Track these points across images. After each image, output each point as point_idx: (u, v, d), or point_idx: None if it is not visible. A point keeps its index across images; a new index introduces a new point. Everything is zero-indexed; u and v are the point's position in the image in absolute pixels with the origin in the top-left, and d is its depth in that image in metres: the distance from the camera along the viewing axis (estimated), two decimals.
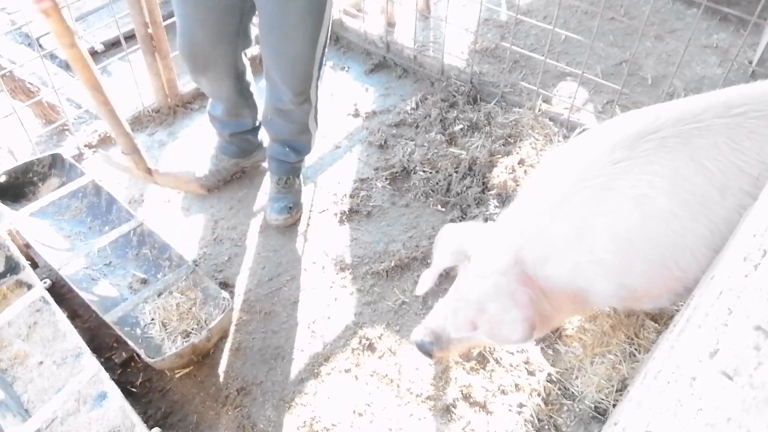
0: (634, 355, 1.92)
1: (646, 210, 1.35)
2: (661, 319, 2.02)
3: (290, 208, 2.44)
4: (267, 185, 2.61)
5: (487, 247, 1.52)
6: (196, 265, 2.13)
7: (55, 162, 2.41)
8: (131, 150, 2.26)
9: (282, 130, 2.37)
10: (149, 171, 2.35)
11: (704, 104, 1.37)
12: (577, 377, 1.92)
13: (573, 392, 1.90)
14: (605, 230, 1.38)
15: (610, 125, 1.53)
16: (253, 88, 2.44)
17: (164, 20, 2.68)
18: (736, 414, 0.53)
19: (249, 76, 2.39)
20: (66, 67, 3.18)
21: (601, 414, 1.85)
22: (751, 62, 3.10)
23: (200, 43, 2.11)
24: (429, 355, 1.68)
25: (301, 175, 2.55)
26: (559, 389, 1.91)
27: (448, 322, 1.58)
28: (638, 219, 1.36)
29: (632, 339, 1.96)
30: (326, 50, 2.14)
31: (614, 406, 1.82)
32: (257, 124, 2.55)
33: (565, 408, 1.88)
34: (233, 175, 2.63)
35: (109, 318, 1.92)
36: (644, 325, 1.99)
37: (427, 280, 1.66)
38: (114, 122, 2.20)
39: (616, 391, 1.86)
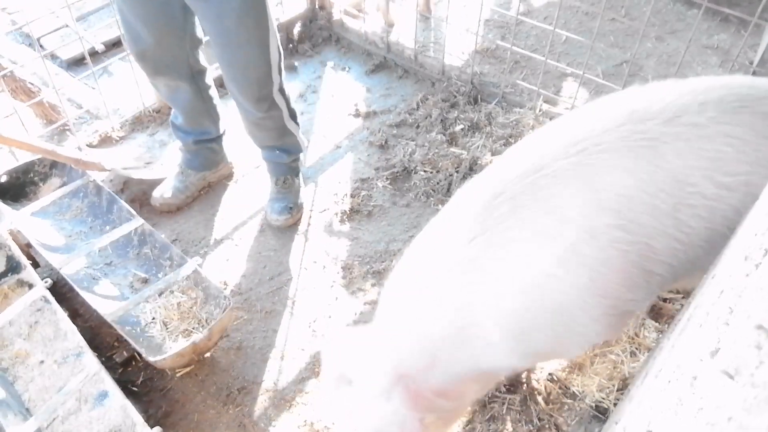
0: (635, 354, 1.92)
1: (521, 281, 1.24)
2: (662, 318, 2.02)
3: (290, 208, 2.44)
4: (264, 184, 2.61)
5: (365, 369, 1.34)
6: (199, 265, 2.14)
7: (56, 162, 2.41)
8: (79, 165, 2.39)
9: (263, 138, 2.37)
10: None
11: (543, 150, 1.26)
12: (577, 376, 1.92)
13: (574, 391, 1.90)
14: (487, 316, 1.26)
15: (459, 200, 1.37)
16: (213, 93, 2.39)
17: None
18: (737, 413, 0.53)
19: (209, 79, 2.35)
20: (67, 67, 3.19)
21: (601, 413, 1.85)
22: (751, 63, 3.10)
23: (146, 42, 2.07)
24: None
25: (300, 175, 2.55)
26: (560, 388, 1.91)
27: None
28: (517, 293, 1.24)
29: (633, 338, 1.96)
30: (281, 53, 2.10)
31: (615, 405, 1.83)
32: (221, 132, 2.52)
33: (566, 407, 1.88)
34: (200, 191, 2.60)
35: (110, 317, 1.92)
36: (645, 324, 1.99)
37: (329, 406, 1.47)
38: (58, 156, 2.30)
39: (617, 390, 1.86)
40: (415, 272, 1.34)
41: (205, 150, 2.51)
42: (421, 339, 1.30)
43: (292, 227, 2.46)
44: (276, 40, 2.04)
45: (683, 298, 2.06)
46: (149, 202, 2.54)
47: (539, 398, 1.89)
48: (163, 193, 2.50)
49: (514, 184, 1.24)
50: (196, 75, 2.28)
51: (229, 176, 2.67)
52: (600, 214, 1.21)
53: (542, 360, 1.60)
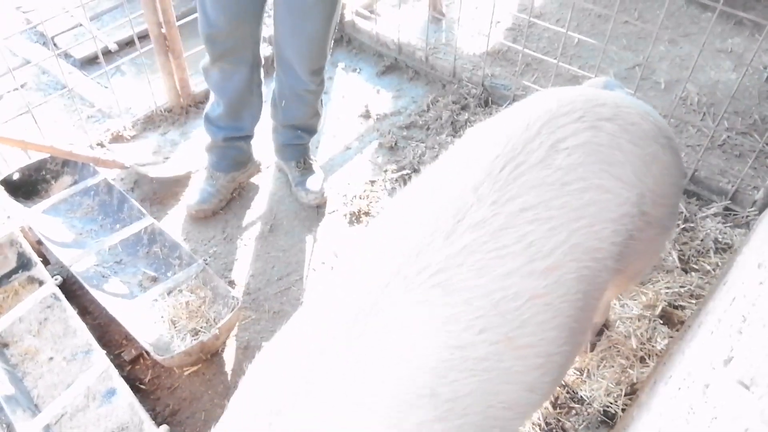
0: (645, 360, 1.91)
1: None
2: (673, 325, 2.00)
3: (323, 180, 2.56)
4: (274, 184, 2.62)
5: None
6: (206, 264, 2.14)
7: (67, 160, 2.43)
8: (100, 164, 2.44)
9: (296, 114, 2.42)
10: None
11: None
12: (585, 381, 1.91)
13: (582, 396, 1.88)
14: None
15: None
16: (262, 89, 2.43)
17: (178, 20, 2.69)
18: (754, 425, 0.52)
19: (261, 74, 2.40)
20: (80, 66, 3.21)
21: (609, 418, 1.83)
22: (765, 67, 3.08)
23: (220, 27, 2.09)
24: None
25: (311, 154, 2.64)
26: (568, 393, 1.90)
27: None
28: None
29: (644, 344, 1.94)
30: (337, 29, 2.17)
31: (623, 410, 1.81)
32: (252, 133, 2.52)
33: (574, 412, 1.86)
34: (233, 193, 2.58)
35: (118, 315, 1.93)
36: (656, 329, 1.98)
37: None
38: (72, 156, 2.35)
39: (625, 396, 1.84)
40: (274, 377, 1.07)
41: (232, 149, 2.50)
42: None
43: (300, 228, 2.46)
44: (338, 15, 2.12)
45: (695, 304, 2.04)
46: (159, 200, 2.56)
47: (547, 402, 1.88)
48: (195, 199, 2.47)
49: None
50: (255, 65, 2.30)
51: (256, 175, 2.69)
52: (417, 404, 0.97)
53: None
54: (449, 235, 0.99)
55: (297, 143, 2.53)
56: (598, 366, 1.93)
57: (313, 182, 2.52)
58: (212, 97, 2.40)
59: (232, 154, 2.51)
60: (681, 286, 2.10)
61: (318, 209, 2.52)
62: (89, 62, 3.21)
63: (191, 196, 2.50)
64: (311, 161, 2.59)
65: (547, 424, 1.83)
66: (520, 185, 1.03)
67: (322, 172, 2.59)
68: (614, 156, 1.12)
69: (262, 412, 0.99)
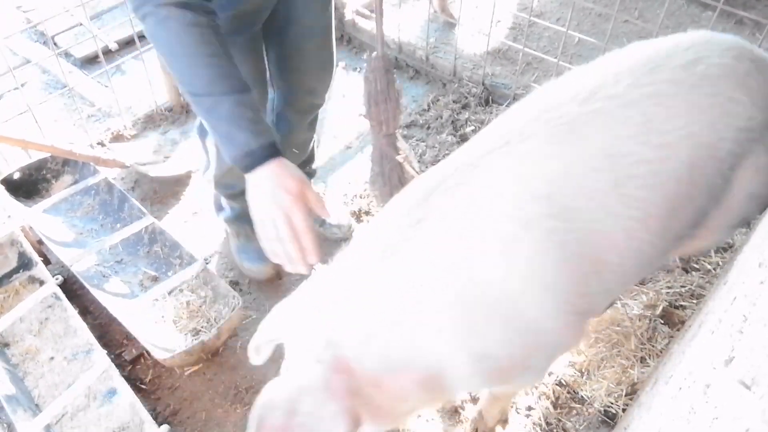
0: (645, 360, 1.91)
1: (463, 277, 1.16)
2: (674, 324, 2.00)
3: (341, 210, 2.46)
4: None
5: (298, 334, 1.27)
6: (207, 263, 2.14)
7: (68, 159, 2.43)
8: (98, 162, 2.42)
9: (308, 138, 2.24)
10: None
11: (473, 147, 1.24)
12: (586, 381, 1.91)
13: (582, 396, 1.88)
14: (433, 298, 1.17)
15: (408, 188, 1.30)
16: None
17: None
18: (756, 425, 0.52)
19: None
20: (80, 65, 3.21)
21: (610, 418, 1.83)
22: None
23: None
24: None
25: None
26: (568, 393, 1.90)
27: None
28: (461, 287, 1.16)
29: (644, 344, 1.94)
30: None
31: (624, 410, 1.81)
32: None
33: (574, 412, 1.87)
34: None
35: (119, 315, 1.93)
36: (657, 329, 1.98)
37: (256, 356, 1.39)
38: (69, 154, 2.34)
39: (626, 396, 1.84)
40: (361, 248, 1.27)
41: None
42: (359, 308, 1.19)
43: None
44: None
45: (696, 303, 2.04)
46: (160, 200, 2.56)
47: (547, 402, 1.88)
48: (254, 264, 2.20)
49: (451, 178, 1.20)
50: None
51: None
52: (532, 204, 1.16)
53: (494, 381, 1.40)
54: (585, 100, 1.20)
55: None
56: (599, 366, 1.93)
57: (334, 214, 2.36)
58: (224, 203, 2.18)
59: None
60: (682, 286, 2.10)
61: (340, 242, 2.49)
62: (89, 61, 3.21)
63: (248, 262, 2.20)
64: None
65: (547, 424, 1.83)
66: (655, 79, 1.21)
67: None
68: (749, 82, 1.25)
69: (377, 246, 1.20)
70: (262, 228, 1.27)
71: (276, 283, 2.26)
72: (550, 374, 1.94)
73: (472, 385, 1.51)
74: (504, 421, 1.83)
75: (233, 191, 2.08)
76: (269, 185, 1.24)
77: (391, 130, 1.96)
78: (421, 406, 1.37)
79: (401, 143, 2.03)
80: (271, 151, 1.26)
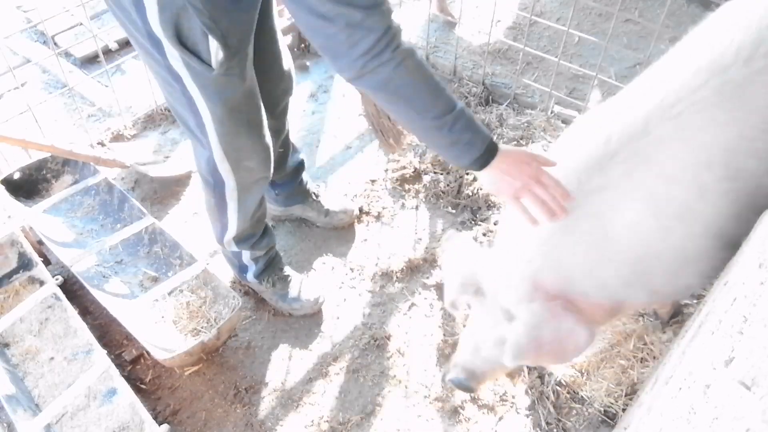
0: (645, 360, 1.91)
1: (642, 235, 1.35)
2: (674, 326, 2.00)
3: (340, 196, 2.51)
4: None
5: (500, 279, 1.47)
6: (207, 264, 2.14)
7: (68, 159, 2.43)
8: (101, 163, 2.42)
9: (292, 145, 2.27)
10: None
11: (642, 113, 1.34)
12: (586, 381, 1.91)
13: (582, 396, 1.88)
14: (621, 244, 1.36)
15: (569, 140, 1.55)
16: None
17: None
18: (756, 425, 0.52)
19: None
20: (80, 65, 3.21)
21: (610, 418, 1.83)
22: None
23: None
24: (470, 390, 1.65)
25: None
26: (568, 393, 1.90)
27: (479, 357, 1.55)
28: (640, 243, 1.35)
29: (644, 344, 1.94)
30: None
31: (624, 410, 1.81)
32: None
33: (574, 412, 1.86)
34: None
35: (119, 315, 1.93)
36: (656, 329, 1.97)
37: (452, 303, 1.61)
38: (71, 155, 2.33)
39: (626, 396, 1.84)
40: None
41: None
42: (555, 255, 1.39)
43: (301, 228, 2.46)
44: None
45: (696, 304, 2.04)
46: (160, 200, 2.55)
47: (548, 402, 1.88)
48: (302, 301, 2.14)
49: (624, 148, 1.32)
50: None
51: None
52: (707, 171, 1.27)
53: (659, 302, 1.76)
54: (750, 59, 1.26)
55: (303, 177, 2.37)
56: (599, 366, 1.93)
57: (336, 203, 2.42)
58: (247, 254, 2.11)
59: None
60: None
61: (347, 227, 2.50)
62: (90, 61, 3.21)
63: (293, 303, 2.14)
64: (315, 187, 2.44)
65: (548, 424, 1.83)
66: None
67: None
68: None
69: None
70: (517, 200, 1.38)
71: None
72: (550, 374, 1.94)
73: (644, 307, 1.89)
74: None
75: (254, 239, 2.04)
76: (510, 165, 1.36)
77: None
78: (605, 323, 1.61)
79: None
80: (495, 144, 1.38)
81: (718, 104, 1.26)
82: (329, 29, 1.21)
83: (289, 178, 2.30)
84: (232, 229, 1.96)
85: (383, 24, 1.22)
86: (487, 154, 1.37)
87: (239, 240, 2.01)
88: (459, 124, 1.34)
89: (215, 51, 1.43)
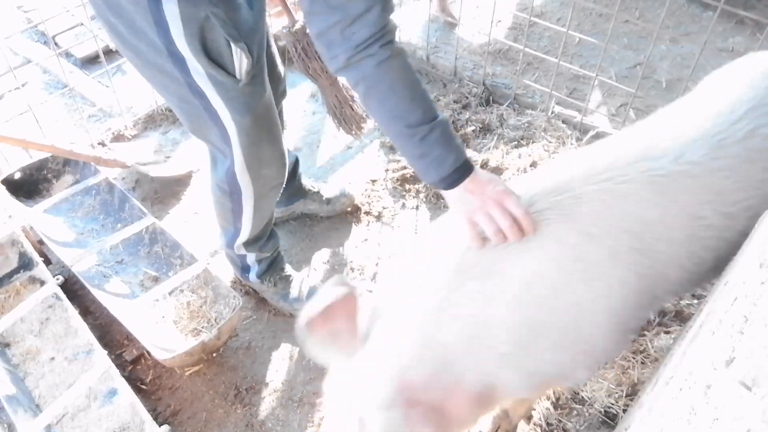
0: (645, 361, 1.91)
1: (539, 289, 1.24)
2: (674, 326, 2.00)
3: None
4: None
5: (361, 381, 1.26)
6: (207, 264, 2.14)
7: (68, 159, 2.43)
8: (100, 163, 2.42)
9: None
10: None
11: (568, 175, 1.32)
12: (586, 383, 1.91)
13: (583, 396, 1.88)
14: (501, 323, 1.23)
15: None
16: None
17: None
18: (756, 426, 0.52)
19: None
20: (81, 65, 3.21)
21: (611, 419, 1.83)
22: None
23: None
24: None
25: None
26: (569, 393, 1.90)
27: None
28: (533, 301, 1.24)
29: (644, 345, 1.94)
30: None
31: (624, 411, 1.81)
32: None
33: (575, 412, 1.86)
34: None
35: (120, 315, 1.93)
36: (656, 330, 1.97)
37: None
38: (70, 154, 2.34)
39: (626, 396, 1.84)
40: (428, 273, 1.30)
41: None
42: (428, 346, 1.25)
43: (301, 228, 2.46)
44: None
45: (697, 304, 2.04)
46: (161, 200, 2.56)
47: (548, 403, 1.88)
48: (304, 302, 2.11)
49: (542, 199, 1.29)
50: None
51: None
52: (624, 236, 1.27)
53: (539, 389, 1.56)
54: (676, 160, 1.32)
55: (299, 174, 2.40)
56: (599, 367, 1.93)
57: (333, 190, 2.46)
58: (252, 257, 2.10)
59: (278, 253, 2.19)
60: None
61: (349, 212, 2.51)
62: (90, 61, 3.21)
63: (295, 303, 2.13)
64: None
65: (548, 424, 1.83)
66: (723, 152, 1.32)
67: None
68: None
69: None
70: (473, 228, 1.26)
71: None
72: None
73: (520, 395, 1.59)
74: (528, 417, 1.84)
75: (262, 242, 2.05)
76: (476, 185, 1.30)
77: (332, 80, 2.20)
78: (473, 418, 1.41)
79: (342, 86, 2.27)
80: (469, 165, 1.32)
81: (646, 186, 1.29)
82: (330, 18, 1.21)
83: (288, 177, 2.30)
84: (245, 235, 1.96)
85: (382, 20, 1.22)
86: (456, 175, 1.30)
87: (249, 244, 2.02)
88: (432, 136, 1.29)
89: (239, 61, 1.45)
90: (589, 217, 1.27)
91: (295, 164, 2.34)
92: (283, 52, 2.12)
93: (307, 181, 2.46)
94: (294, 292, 2.15)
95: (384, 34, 1.24)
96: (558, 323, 1.27)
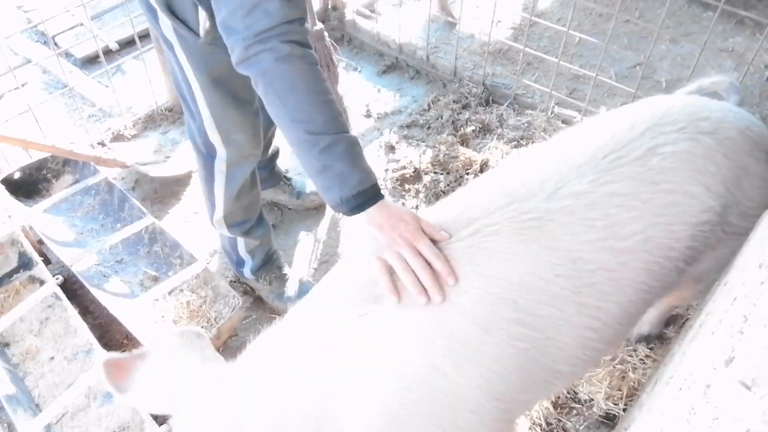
0: (644, 361, 1.91)
1: (403, 374, 1.08)
2: (674, 326, 2.00)
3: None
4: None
5: (194, 404, 1.19)
6: (207, 263, 2.14)
7: (68, 159, 2.43)
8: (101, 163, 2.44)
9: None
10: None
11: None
12: (585, 383, 1.90)
13: (582, 396, 1.88)
14: (355, 410, 1.10)
15: (341, 272, 1.26)
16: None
17: None
18: (756, 426, 0.52)
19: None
20: (81, 65, 3.21)
21: (610, 419, 1.83)
22: (767, 66, 3.07)
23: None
24: None
25: None
26: (569, 393, 1.90)
27: None
28: (396, 387, 1.09)
29: (644, 344, 1.94)
30: None
31: (624, 410, 1.81)
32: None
33: (575, 412, 1.86)
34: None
35: (119, 315, 1.93)
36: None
37: None
38: (70, 154, 2.35)
39: (626, 396, 1.84)
40: (289, 338, 1.21)
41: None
42: (267, 410, 1.13)
43: (302, 227, 2.46)
44: None
45: (696, 304, 2.04)
46: (160, 200, 2.56)
47: (547, 402, 1.88)
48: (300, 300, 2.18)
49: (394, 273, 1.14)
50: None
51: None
52: (496, 307, 1.10)
53: None
54: (552, 195, 1.16)
55: (276, 163, 2.47)
56: (598, 367, 1.92)
57: (308, 185, 2.51)
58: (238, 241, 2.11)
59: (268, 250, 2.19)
60: None
61: (318, 208, 2.52)
62: (90, 61, 3.21)
63: (289, 303, 2.11)
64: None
65: (548, 424, 1.83)
66: (616, 174, 1.18)
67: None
68: (706, 167, 1.22)
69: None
70: (382, 265, 1.15)
71: None
72: None
73: None
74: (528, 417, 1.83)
75: (248, 226, 2.04)
76: (384, 218, 1.21)
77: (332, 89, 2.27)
78: None
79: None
80: (378, 192, 1.24)
81: (513, 232, 1.13)
82: (231, 4, 1.21)
83: (266, 162, 2.37)
84: (220, 207, 1.97)
85: (282, 13, 1.20)
86: (361, 199, 1.22)
87: (231, 223, 2.02)
88: (336, 149, 1.20)
89: (203, 21, 1.49)
90: (457, 287, 1.10)
91: (276, 152, 2.41)
92: None
93: (280, 171, 2.50)
94: (289, 291, 2.15)
95: (286, 31, 1.21)
96: (428, 412, 1.11)
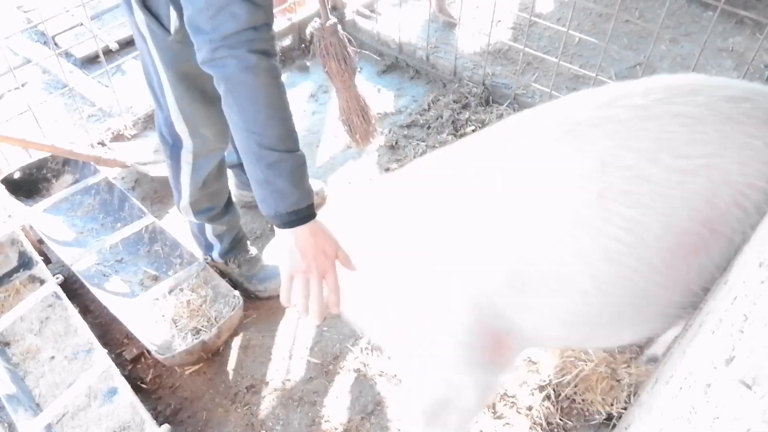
0: (639, 367, 1.91)
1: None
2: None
3: None
4: None
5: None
6: (207, 263, 2.14)
7: (68, 159, 2.43)
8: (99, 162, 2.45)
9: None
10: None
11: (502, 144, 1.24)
12: (585, 391, 1.90)
13: (582, 397, 1.88)
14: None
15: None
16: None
17: None
18: (756, 425, 0.52)
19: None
20: (81, 65, 3.21)
21: (610, 419, 1.83)
22: (767, 66, 3.07)
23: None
24: None
25: None
26: (569, 393, 1.90)
27: None
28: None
29: (643, 345, 1.94)
30: None
31: (624, 409, 1.81)
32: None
33: (575, 411, 1.87)
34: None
35: (120, 314, 1.93)
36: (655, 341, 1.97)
37: None
38: (71, 154, 2.36)
39: (626, 396, 1.84)
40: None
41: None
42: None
43: None
44: None
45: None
46: (160, 199, 2.55)
47: (548, 402, 1.88)
48: (269, 282, 2.20)
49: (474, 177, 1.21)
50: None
51: None
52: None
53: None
54: (603, 105, 1.12)
55: None
56: (598, 366, 1.92)
57: (314, 183, 2.52)
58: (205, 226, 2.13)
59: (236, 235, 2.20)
60: None
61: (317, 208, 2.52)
62: (90, 61, 3.22)
63: (258, 284, 2.20)
64: None
65: (548, 423, 1.83)
66: (692, 100, 1.08)
67: None
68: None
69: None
70: (289, 283, 1.32)
71: (277, 282, 2.26)
72: (549, 376, 1.94)
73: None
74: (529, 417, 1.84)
75: (213, 212, 2.05)
76: (309, 245, 1.27)
77: (346, 84, 2.32)
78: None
79: (359, 90, 2.41)
80: (312, 212, 1.30)
81: (551, 139, 1.14)
82: (199, 2, 1.21)
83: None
84: (185, 195, 1.99)
85: (249, 18, 1.20)
86: (294, 217, 1.28)
87: (197, 210, 2.03)
88: (282, 167, 1.25)
89: (174, 19, 1.52)
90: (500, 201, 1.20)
91: None
92: (310, 41, 2.23)
93: None
94: (260, 273, 2.18)
95: (253, 38, 1.22)
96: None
